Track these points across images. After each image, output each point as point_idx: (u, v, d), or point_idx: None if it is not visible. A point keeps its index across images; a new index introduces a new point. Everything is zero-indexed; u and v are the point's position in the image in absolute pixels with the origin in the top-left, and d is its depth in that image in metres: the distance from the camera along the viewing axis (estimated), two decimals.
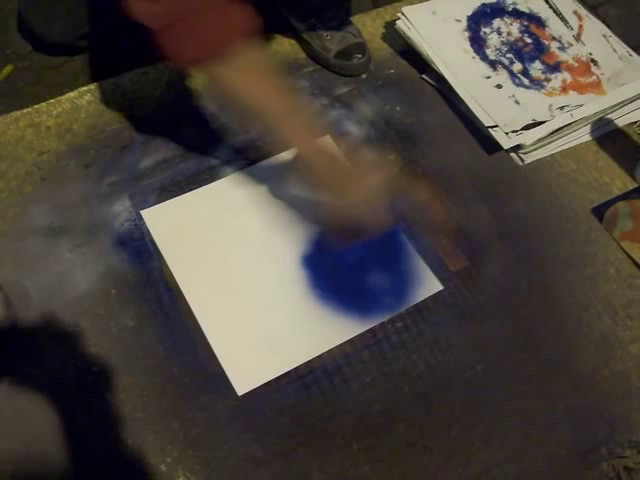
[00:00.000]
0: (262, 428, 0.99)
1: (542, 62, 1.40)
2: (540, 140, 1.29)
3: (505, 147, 1.27)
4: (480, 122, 1.30)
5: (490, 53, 1.40)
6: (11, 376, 1.00)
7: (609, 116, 1.35)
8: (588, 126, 1.34)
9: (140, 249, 1.13)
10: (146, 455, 0.96)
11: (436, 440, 1.01)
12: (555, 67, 1.40)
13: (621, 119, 1.36)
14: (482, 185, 1.27)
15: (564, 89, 1.36)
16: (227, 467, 0.96)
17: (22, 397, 0.98)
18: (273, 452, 0.98)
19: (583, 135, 1.34)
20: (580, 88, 1.37)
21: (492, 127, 1.28)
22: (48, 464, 0.94)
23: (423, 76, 1.40)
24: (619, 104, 1.35)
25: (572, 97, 1.35)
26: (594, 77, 1.39)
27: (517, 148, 1.29)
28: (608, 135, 1.35)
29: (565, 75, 1.39)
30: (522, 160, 1.29)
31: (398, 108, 1.35)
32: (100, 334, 1.05)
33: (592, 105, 1.33)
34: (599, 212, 1.24)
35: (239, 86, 0.95)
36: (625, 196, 1.26)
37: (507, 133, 1.27)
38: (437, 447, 1.00)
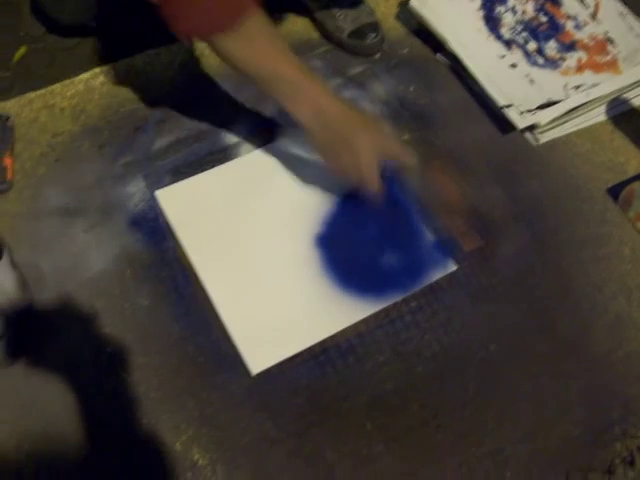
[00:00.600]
0: (276, 407, 1.00)
1: (557, 41, 1.39)
2: (555, 120, 1.28)
3: (520, 127, 1.26)
4: (494, 102, 1.29)
5: (505, 32, 1.39)
6: (27, 357, 1.00)
7: (625, 95, 1.34)
8: (603, 106, 1.33)
9: (154, 229, 1.13)
10: (161, 434, 0.97)
11: (450, 420, 1.01)
12: (570, 46, 1.39)
13: (637, 98, 1.35)
14: (496, 165, 1.26)
15: (579, 68, 1.35)
16: (241, 446, 0.97)
17: (38, 377, 0.99)
18: (287, 431, 0.98)
19: (598, 115, 1.33)
20: (596, 67, 1.35)
21: (506, 107, 1.27)
22: (64, 443, 0.95)
23: (437, 56, 1.39)
24: (635, 83, 1.33)
25: (587, 76, 1.34)
26: (610, 56, 1.37)
27: (532, 128, 1.28)
28: (624, 115, 1.34)
29: (580, 54, 1.37)
30: (537, 140, 1.29)
31: (412, 88, 1.35)
32: (115, 314, 1.05)
33: (608, 84, 1.32)
34: (614, 192, 1.24)
35: (247, 56, 0.96)
36: None
37: (522, 113, 1.26)
38: (450, 427, 1.00)
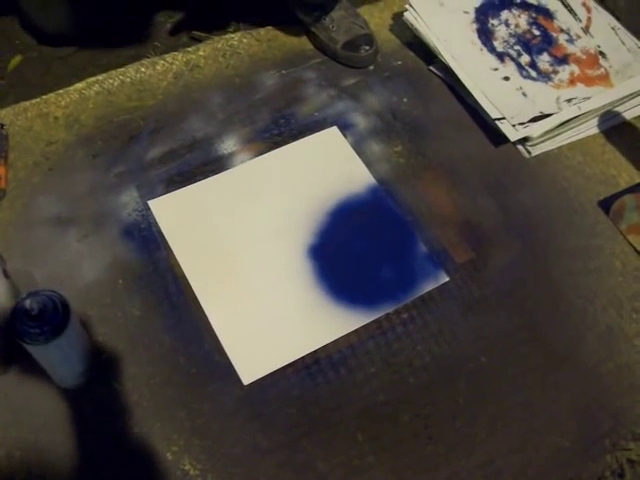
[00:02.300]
0: (267, 418, 1.00)
1: (550, 54, 1.40)
2: (547, 132, 1.29)
3: (512, 139, 1.27)
4: (487, 114, 1.30)
5: (498, 45, 1.40)
6: (19, 365, 1.00)
7: (617, 109, 1.35)
8: (595, 119, 1.34)
9: (147, 239, 1.14)
10: (152, 444, 0.97)
11: (441, 431, 1.01)
12: (563, 59, 1.39)
13: (629, 112, 1.36)
14: (488, 177, 1.26)
15: (572, 81, 1.36)
16: (232, 456, 0.97)
17: (30, 385, 0.99)
18: (278, 442, 0.98)
19: (590, 128, 1.34)
20: (588, 80, 1.36)
21: (499, 119, 1.28)
22: (55, 451, 0.95)
23: (430, 68, 1.40)
24: (627, 97, 1.34)
25: (580, 89, 1.34)
26: (602, 69, 1.38)
27: (524, 140, 1.29)
28: (615, 128, 1.35)
29: (573, 67, 1.38)
30: (529, 152, 1.29)
31: (405, 100, 1.35)
32: (107, 323, 1.05)
33: (600, 98, 1.32)
34: (606, 205, 1.24)
35: None
36: (632, 189, 1.26)
37: (514, 125, 1.27)
38: (441, 438, 1.00)
